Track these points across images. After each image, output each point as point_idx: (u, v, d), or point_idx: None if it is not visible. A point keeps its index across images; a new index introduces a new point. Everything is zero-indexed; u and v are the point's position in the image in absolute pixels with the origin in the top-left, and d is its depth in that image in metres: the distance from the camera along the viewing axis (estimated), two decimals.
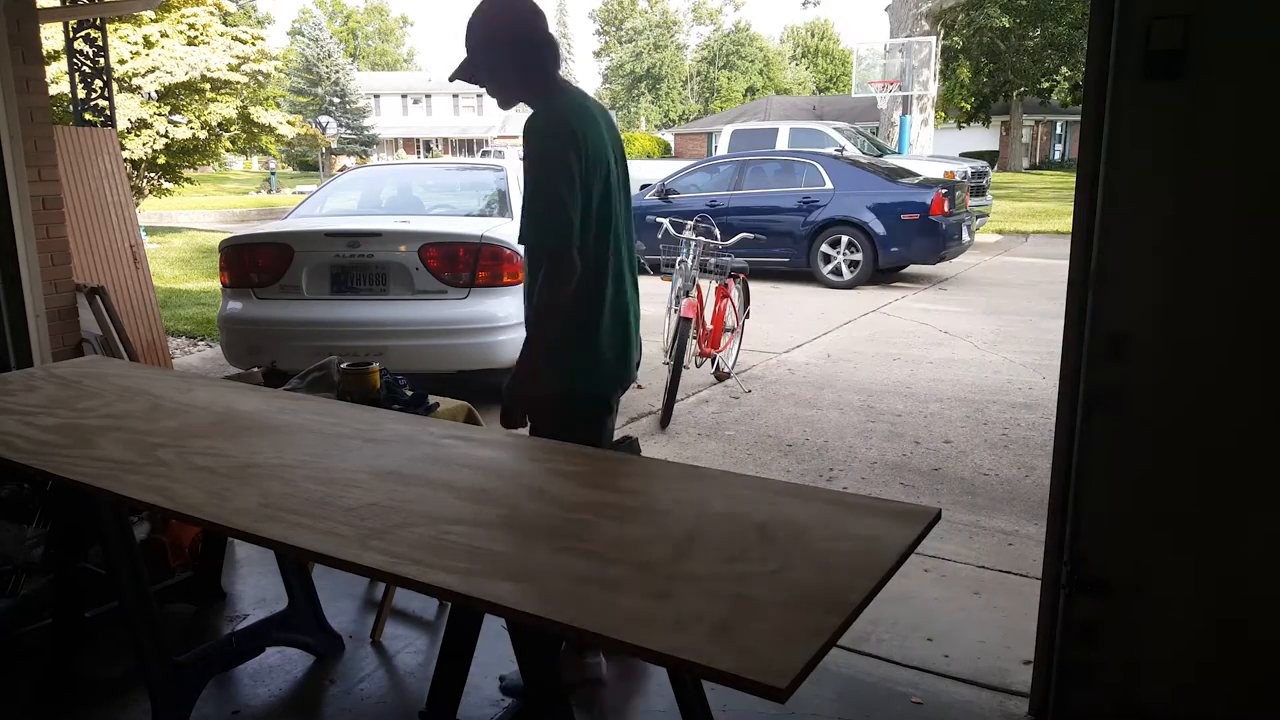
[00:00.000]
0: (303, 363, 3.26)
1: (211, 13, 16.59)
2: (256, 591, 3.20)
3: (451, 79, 2.34)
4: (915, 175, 11.37)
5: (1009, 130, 37.18)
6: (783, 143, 16.44)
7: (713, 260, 5.99)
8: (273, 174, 34.07)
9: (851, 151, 15.05)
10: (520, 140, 2.30)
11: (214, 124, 16.60)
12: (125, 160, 11.10)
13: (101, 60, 6.04)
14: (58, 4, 6.07)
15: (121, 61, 14.64)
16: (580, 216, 2.19)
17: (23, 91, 4.29)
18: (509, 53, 2.24)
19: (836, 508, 1.70)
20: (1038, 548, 2.63)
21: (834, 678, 2.59)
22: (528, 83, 2.27)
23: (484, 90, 2.34)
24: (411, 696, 2.59)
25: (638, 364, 2.54)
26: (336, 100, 47.31)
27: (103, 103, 6.04)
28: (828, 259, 10.33)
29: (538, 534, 1.59)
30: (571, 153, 2.16)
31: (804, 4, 51.45)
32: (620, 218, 2.35)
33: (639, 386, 5.79)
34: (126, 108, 14.62)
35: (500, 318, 5.08)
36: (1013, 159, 36.23)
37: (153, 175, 16.18)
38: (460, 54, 2.34)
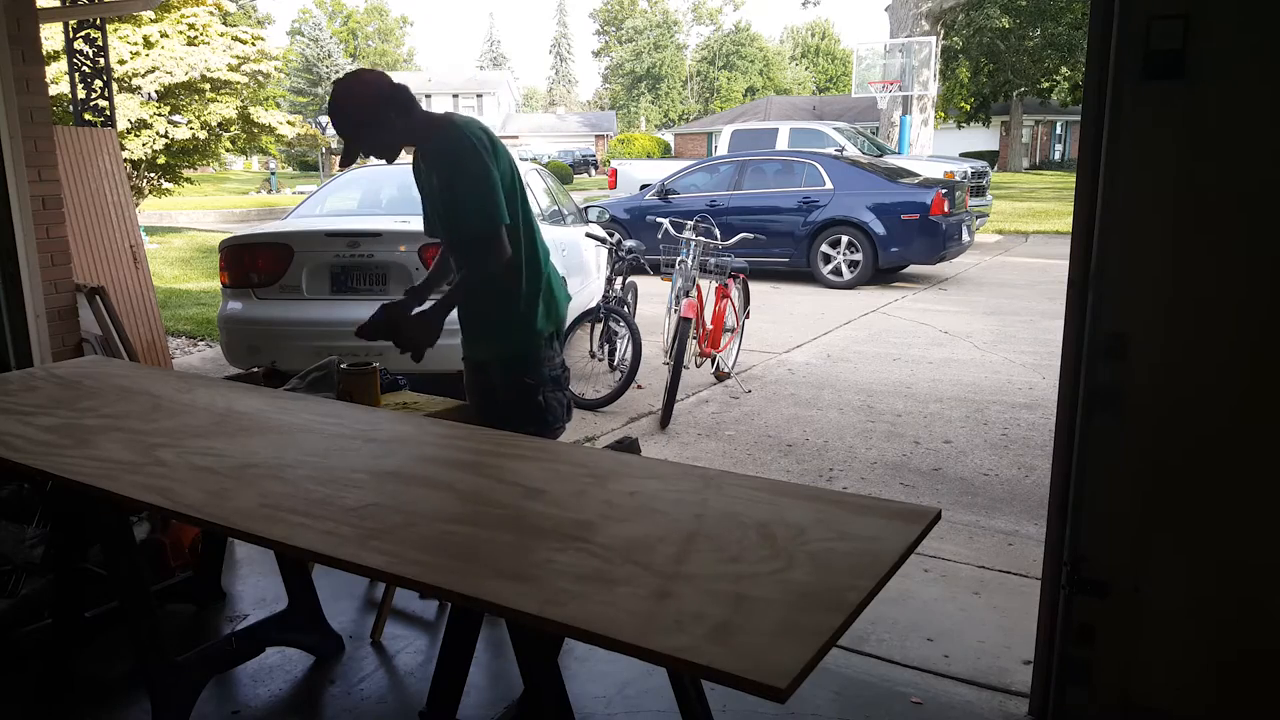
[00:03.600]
0: (303, 363, 3.26)
1: (211, 13, 16.59)
2: (256, 591, 3.20)
3: (344, 165, 2.75)
4: (915, 175, 11.36)
5: (1009, 130, 37.18)
6: (783, 143, 16.43)
7: (713, 260, 5.99)
8: (273, 174, 34.08)
9: (851, 151, 15.04)
10: (483, 143, 2.60)
11: (214, 124, 16.60)
12: (125, 160, 11.10)
13: (101, 60, 6.03)
14: (58, 4, 6.07)
15: (121, 62, 14.64)
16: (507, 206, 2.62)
17: (23, 91, 4.29)
18: (390, 109, 2.54)
19: (836, 508, 1.70)
20: (1038, 548, 2.63)
21: (834, 678, 2.59)
22: (413, 124, 2.60)
23: (374, 156, 2.64)
24: (411, 696, 2.59)
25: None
26: None
27: (103, 103, 6.04)
28: (828, 259, 10.33)
29: (538, 534, 1.59)
30: (487, 157, 2.56)
31: (804, 4, 51.38)
32: (526, 202, 2.77)
33: (639, 386, 5.79)
34: (126, 108, 14.61)
35: None
36: (1013, 159, 36.23)
37: (153, 175, 16.18)
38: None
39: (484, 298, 2.74)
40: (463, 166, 2.56)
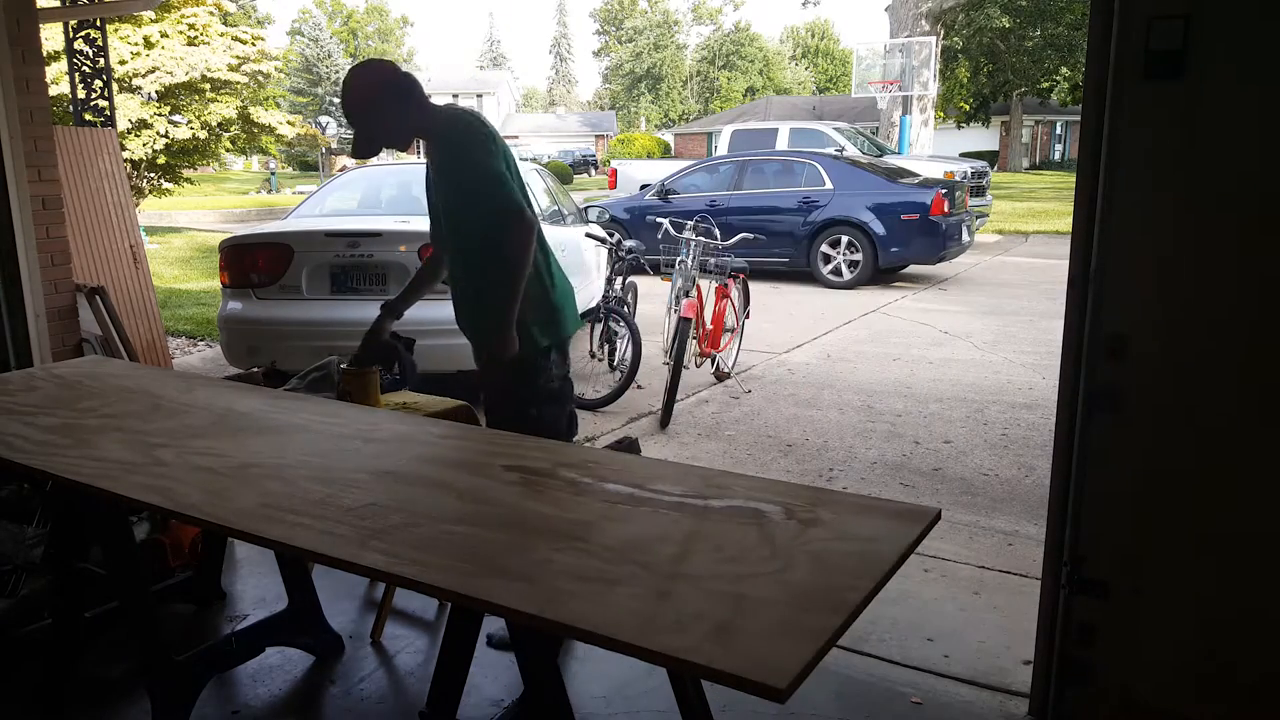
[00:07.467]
0: (303, 363, 3.26)
1: (211, 13, 16.58)
2: (256, 591, 3.20)
3: (357, 157, 2.74)
4: (915, 175, 11.36)
5: (1009, 130, 37.17)
6: (783, 143, 16.41)
7: (713, 260, 5.99)
8: (273, 174, 34.08)
9: (851, 151, 15.03)
10: (484, 140, 2.61)
11: (214, 124, 16.59)
12: (125, 160, 11.10)
13: (101, 60, 6.04)
14: (58, 4, 6.07)
15: (122, 62, 14.63)
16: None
17: (23, 91, 4.29)
18: (392, 96, 2.59)
19: (836, 508, 1.70)
20: (1038, 548, 2.63)
21: (834, 678, 2.59)
22: (421, 112, 2.63)
23: (378, 144, 2.65)
24: (411, 696, 2.59)
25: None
26: (336, 100, 47.30)
27: (103, 103, 6.04)
28: (828, 259, 10.32)
29: (538, 534, 1.59)
30: (490, 143, 2.57)
31: (804, 4, 51.47)
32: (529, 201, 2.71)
33: (639, 386, 5.79)
34: (126, 108, 14.61)
35: None
36: (1013, 159, 36.23)
37: (153, 175, 16.17)
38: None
39: (481, 303, 2.66)
40: (476, 148, 2.55)
